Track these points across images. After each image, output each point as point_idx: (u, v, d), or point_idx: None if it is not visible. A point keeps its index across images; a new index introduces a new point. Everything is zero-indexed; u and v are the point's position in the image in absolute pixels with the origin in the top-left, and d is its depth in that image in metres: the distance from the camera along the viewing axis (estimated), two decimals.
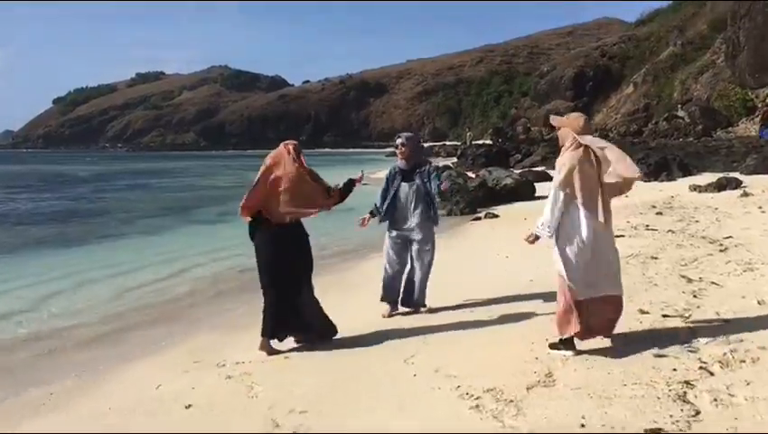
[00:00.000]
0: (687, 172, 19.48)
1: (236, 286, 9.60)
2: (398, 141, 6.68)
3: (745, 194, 13.02)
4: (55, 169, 63.10)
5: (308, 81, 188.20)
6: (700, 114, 41.04)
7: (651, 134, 42.18)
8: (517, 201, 17.79)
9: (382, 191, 6.61)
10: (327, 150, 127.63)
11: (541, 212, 4.93)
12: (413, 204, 6.48)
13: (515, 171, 21.50)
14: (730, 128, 38.38)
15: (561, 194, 4.78)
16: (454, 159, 38.77)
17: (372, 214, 6.59)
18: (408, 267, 6.69)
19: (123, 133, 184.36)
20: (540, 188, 19.32)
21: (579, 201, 4.73)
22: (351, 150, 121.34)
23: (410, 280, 6.70)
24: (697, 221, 10.63)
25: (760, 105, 35.03)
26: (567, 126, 4.94)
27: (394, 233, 6.60)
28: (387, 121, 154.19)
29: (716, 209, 11.66)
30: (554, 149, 38.60)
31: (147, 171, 57.06)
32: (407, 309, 6.77)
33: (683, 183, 17.65)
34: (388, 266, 6.62)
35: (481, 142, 55.78)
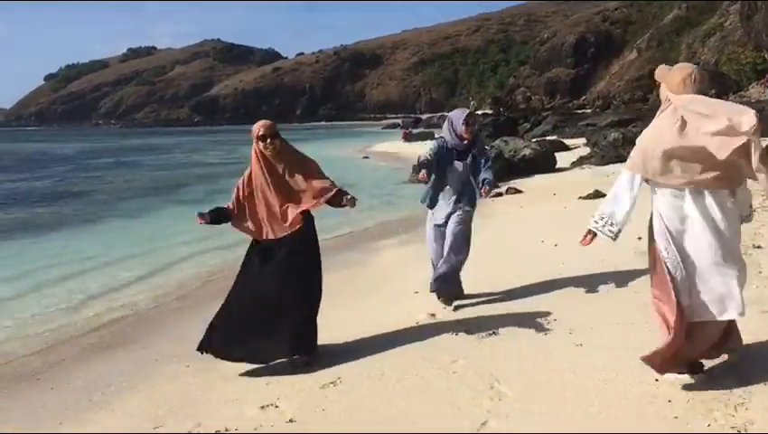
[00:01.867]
0: None
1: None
2: (470, 120, 5.79)
3: None
4: (39, 147, 60.97)
5: (302, 54, 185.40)
6: (708, 78, 39.62)
7: (658, 101, 40.52)
8: (536, 173, 16.25)
9: (425, 165, 5.61)
10: (323, 123, 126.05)
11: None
12: (462, 187, 5.75)
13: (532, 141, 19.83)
14: (742, 92, 36.93)
15: (636, 179, 3.52)
16: None
17: (423, 166, 5.60)
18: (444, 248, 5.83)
19: (116, 109, 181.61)
20: (560, 159, 17.69)
21: (671, 185, 3.41)
22: (347, 123, 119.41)
23: (449, 264, 5.78)
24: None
25: None
26: (663, 81, 3.61)
27: (440, 220, 5.79)
28: (382, 93, 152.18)
29: None
30: (564, 117, 37.27)
31: (137, 148, 55.16)
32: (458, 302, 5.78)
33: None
34: (435, 257, 5.85)
35: (480, 112, 54.07)
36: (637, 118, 24.64)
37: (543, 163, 16.47)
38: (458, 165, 5.67)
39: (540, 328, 4.63)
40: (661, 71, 3.68)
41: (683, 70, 3.57)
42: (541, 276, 6.25)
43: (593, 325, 4.55)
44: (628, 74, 62.53)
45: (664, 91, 3.58)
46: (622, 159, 16.70)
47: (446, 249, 5.66)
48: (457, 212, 5.66)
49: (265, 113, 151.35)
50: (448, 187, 5.71)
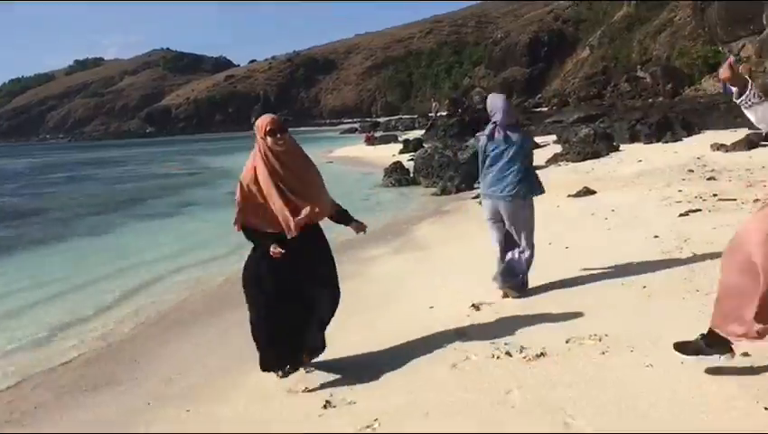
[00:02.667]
0: (690, 131, 17.83)
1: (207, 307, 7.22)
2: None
3: None
4: None
5: (254, 61, 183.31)
6: (662, 73, 40.39)
7: (613, 96, 41.00)
8: None
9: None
10: None
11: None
12: (508, 172, 5.52)
13: None
14: (697, 86, 37.45)
15: None
16: (420, 133, 36.60)
17: None
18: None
19: (64, 123, 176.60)
20: (537, 157, 17.35)
21: None
22: (304, 129, 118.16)
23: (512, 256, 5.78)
24: (765, 185, 8.78)
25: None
26: None
27: (489, 203, 5.73)
28: (338, 98, 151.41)
29: None
30: (528, 115, 37.08)
31: (90, 161, 53.19)
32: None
33: (693, 143, 15.97)
34: (492, 240, 5.81)
35: (437, 114, 53.87)
36: (603, 114, 24.58)
37: None
38: (503, 153, 5.48)
39: (594, 346, 4.05)
40: None
41: None
42: (564, 281, 5.74)
43: (652, 339, 3.97)
44: (582, 71, 63.13)
45: None
46: (597, 155, 16.48)
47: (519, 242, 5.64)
48: (516, 205, 5.54)
49: (219, 122, 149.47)
50: (498, 173, 5.53)
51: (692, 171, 11.25)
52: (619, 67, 54.11)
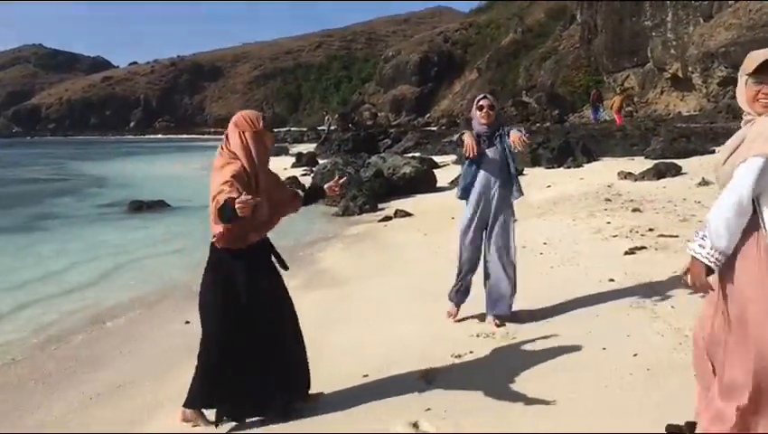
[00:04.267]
0: (590, 157, 17.77)
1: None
2: (483, 102, 5.21)
3: (705, 183, 11.05)
4: None
5: (135, 63, 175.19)
6: (547, 99, 41.78)
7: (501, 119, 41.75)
8: (417, 193, 15.02)
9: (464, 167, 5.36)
10: (159, 137, 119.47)
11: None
12: (496, 175, 5.20)
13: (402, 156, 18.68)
14: (580, 113, 38.82)
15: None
16: (311, 146, 35.34)
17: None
18: (483, 260, 5.39)
19: None
20: (440, 177, 16.64)
21: None
22: (187, 136, 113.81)
23: (495, 278, 5.30)
24: (700, 221, 8.29)
25: (618, 90, 34.95)
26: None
27: (473, 212, 5.28)
28: (223, 107, 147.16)
29: (699, 202, 9.45)
30: (427, 134, 36.77)
31: None
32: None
33: (597, 170, 15.79)
34: (460, 255, 5.36)
35: (324, 128, 53.10)
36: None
37: (424, 181, 15.31)
38: (490, 151, 5.13)
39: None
40: None
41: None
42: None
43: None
44: (470, 93, 64.39)
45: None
46: None
47: (499, 259, 5.20)
48: (501, 214, 5.21)
49: (95, 125, 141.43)
50: (484, 176, 5.17)
51: (610, 200, 10.80)
52: (506, 91, 55.60)
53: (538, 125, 35.70)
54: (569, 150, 17.74)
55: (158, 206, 16.30)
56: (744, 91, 2.70)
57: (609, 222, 8.52)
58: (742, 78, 2.71)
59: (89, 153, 58.55)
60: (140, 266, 9.61)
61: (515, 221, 5.40)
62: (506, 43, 67.80)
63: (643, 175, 12.96)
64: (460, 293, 5.41)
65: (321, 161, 23.34)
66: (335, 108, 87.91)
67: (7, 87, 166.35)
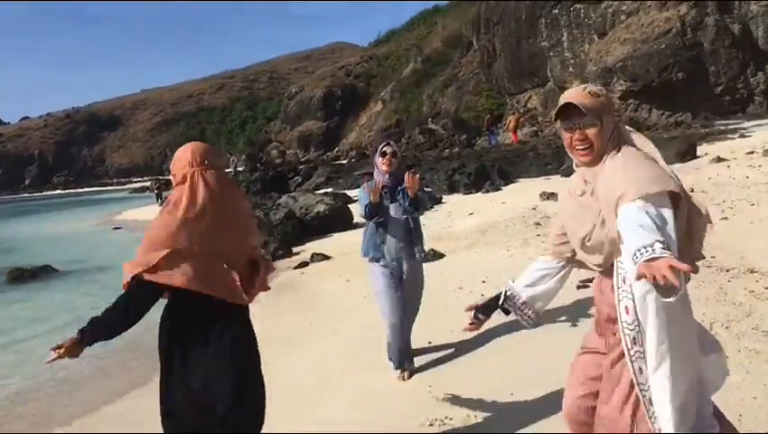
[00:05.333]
0: (507, 179, 17.33)
1: None
2: (386, 148, 5.04)
3: None
4: None
5: (27, 118, 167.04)
6: (453, 125, 42.36)
7: (408, 148, 42.13)
8: (334, 231, 13.96)
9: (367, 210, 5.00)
10: (58, 192, 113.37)
11: None
12: (402, 232, 5.05)
13: (314, 193, 17.64)
14: (486, 136, 39.13)
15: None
16: None
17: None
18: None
19: None
20: (356, 213, 15.68)
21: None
22: (88, 190, 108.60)
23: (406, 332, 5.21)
24: None
25: (521, 111, 35.30)
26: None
27: (386, 271, 5.04)
28: (125, 156, 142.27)
29: None
30: (337, 168, 35.83)
31: None
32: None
33: (516, 192, 15.25)
34: (390, 314, 5.04)
35: (231, 170, 51.56)
36: (414, 165, 23.80)
37: (340, 219, 14.27)
38: (393, 207, 4.94)
39: None
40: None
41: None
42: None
43: None
44: (377, 124, 64.46)
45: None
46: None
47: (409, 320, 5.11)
48: (409, 271, 5.05)
49: None
50: (389, 236, 4.99)
51: (540, 224, 10.12)
52: (411, 120, 55.96)
53: (447, 150, 35.62)
54: (486, 174, 17.24)
55: (43, 273, 14.38)
56: (563, 138, 2.50)
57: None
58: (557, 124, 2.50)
59: None
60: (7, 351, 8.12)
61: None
62: (407, 73, 68.54)
63: None
64: (400, 351, 5.09)
65: None
66: (242, 149, 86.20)
67: None
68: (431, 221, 12.88)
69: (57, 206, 58.54)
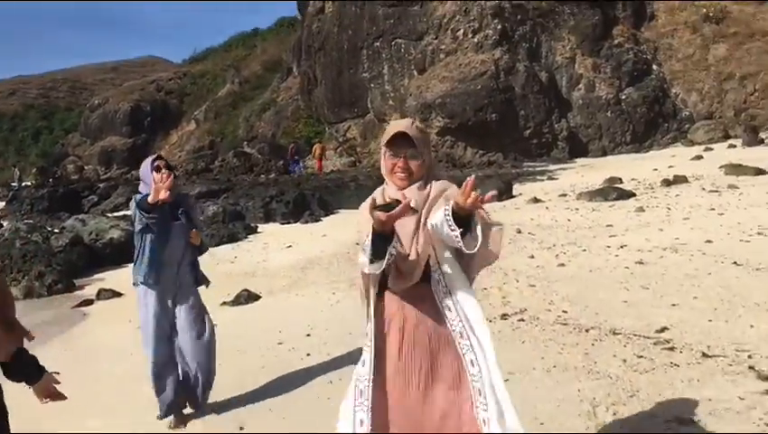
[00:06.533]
0: (328, 210, 16.49)
1: None
2: (160, 162, 4.57)
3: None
4: None
5: None
6: (269, 150, 41.61)
7: (222, 171, 40.56)
8: (129, 262, 12.04)
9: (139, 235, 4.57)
10: None
11: None
12: (180, 255, 4.64)
13: (102, 216, 15.50)
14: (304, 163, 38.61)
15: None
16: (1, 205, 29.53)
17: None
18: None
19: None
20: None
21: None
22: None
23: (187, 365, 4.66)
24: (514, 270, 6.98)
25: (340, 140, 35.00)
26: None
27: (158, 298, 4.58)
28: None
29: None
30: (136, 188, 32.77)
31: None
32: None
33: (336, 225, 14.51)
34: (156, 348, 4.55)
35: (22, 184, 46.40)
36: (228, 189, 22.30)
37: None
38: (174, 228, 4.56)
39: None
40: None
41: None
42: None
43: None
44: (189, 144, 61.65)
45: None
46: (234, 238, 13.75)
47: (193, 353, 4.61)
48: (187, 300, 4.66)
49: None
50: (168, 253, 4.57)
51: None
52: (226, 142, 54.39)
53: (263, 176, 34.38)
54: (305, 203, 16.24)
55: None
56: (382, 163, 2.71)
57: None
58: (382, 148, 2.70)
59: None
60: None
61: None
62: (224, 94, 66.67)
63: None
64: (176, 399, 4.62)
65: (5, 224, 18.92)
66: (34, 162, 78.34)
67: None
68: (245, 254, 11.57)
69: None
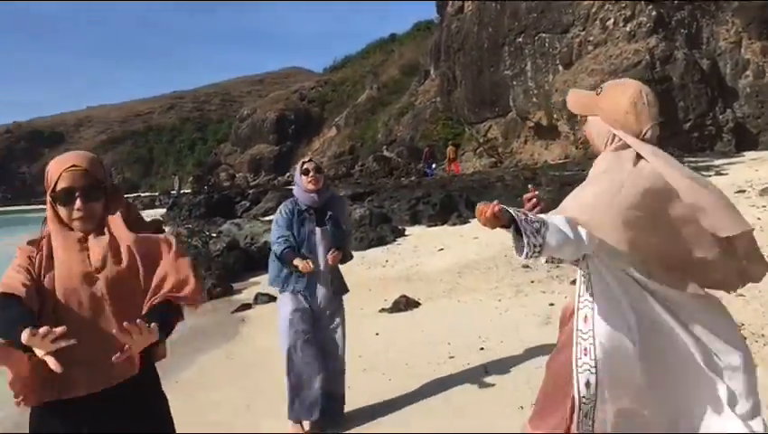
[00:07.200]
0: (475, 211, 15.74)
1: None
2: (309, 165, 4.51)
3: None
4: None
5: None
6: (408, 153, 41.77)
7: (362, 175, 40.96)
8: None
9: (287, 252, 4.30)
10: None
11: None
12: (323, 261, 4.43)
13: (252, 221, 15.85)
14: (442, 165, 38.22)
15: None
16: (161, 211, 31.51)
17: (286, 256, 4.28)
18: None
19: None
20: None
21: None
22: (28, 207, 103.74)
23: (328, 379, 4.46)
24: None
25: (481, 140, 34.31)
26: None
27: (301, 305, 4.42)
28: None
29: None
30: (288, 193, 34.05)
31: None
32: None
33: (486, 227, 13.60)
34: (295, 357, 4.37)
35: (181, 192, 49.54)
36: (372, 192, 22.26)
37: None
38: (318, 231, 4.40)
39: None
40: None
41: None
42: None
43: None
44: (330, 150, 63.21)
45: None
46: (383, 241, 13.53)
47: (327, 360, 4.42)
48: (331, 308, 4.47)
49: None
50: (313, 258, 4.31)
51: (528, 266, 8.58)
52: (366, 147, 55.20)
53: (403, 178, 34.37)
54: (452, 205, 15.75)
55: None
56: None
57: (552, 304, 6.16)
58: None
59: None
60: None
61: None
62: (363, 100, 67.96)
63: None
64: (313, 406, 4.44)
65: (167, 229, 19.97)
66: (190, 171, 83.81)
67: None
68: (396, 258, 11.25)
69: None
